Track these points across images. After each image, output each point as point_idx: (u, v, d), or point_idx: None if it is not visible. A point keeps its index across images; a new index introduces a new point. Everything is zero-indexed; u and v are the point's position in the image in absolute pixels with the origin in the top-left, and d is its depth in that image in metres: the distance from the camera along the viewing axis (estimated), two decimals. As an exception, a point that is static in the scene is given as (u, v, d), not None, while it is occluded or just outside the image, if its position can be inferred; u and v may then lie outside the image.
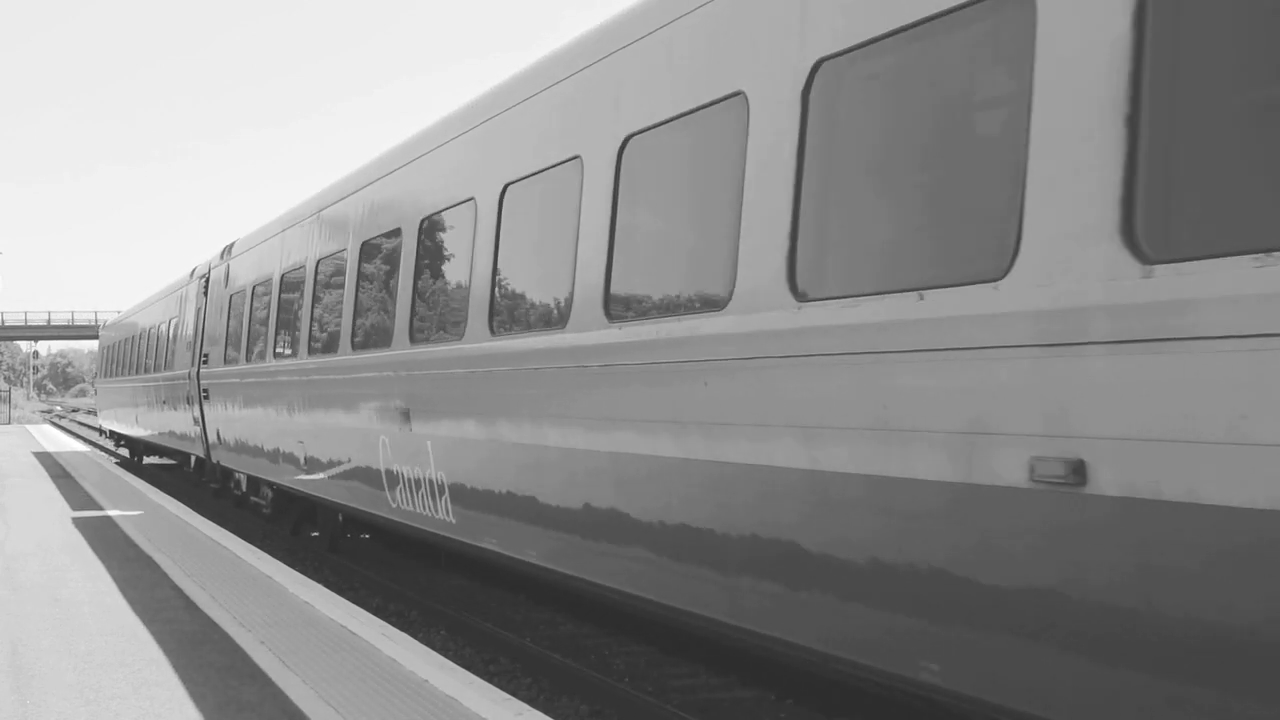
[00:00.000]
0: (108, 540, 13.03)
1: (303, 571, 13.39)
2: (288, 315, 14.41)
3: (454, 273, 9.52)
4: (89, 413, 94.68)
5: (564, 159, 7.67)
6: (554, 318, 7.70)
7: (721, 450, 5.90)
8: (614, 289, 6.96)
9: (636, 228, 6.97)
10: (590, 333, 7.10)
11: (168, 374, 23.66)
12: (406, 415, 9.97)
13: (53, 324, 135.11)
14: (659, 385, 6.43)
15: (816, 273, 5.40)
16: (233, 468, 17.93)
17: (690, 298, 6.33)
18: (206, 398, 19.09)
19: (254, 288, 16.34)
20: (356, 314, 11.65)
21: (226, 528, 16.16)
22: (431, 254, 10.04)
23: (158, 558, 11.76)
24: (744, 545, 5.80)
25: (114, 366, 34.84)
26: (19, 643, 7.92)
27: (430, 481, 9.64)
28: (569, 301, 7.42)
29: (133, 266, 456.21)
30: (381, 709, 6.24)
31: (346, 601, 9.56)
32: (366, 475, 11.23)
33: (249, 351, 16.21)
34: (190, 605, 9.24)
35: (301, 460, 13.48)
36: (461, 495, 9.15)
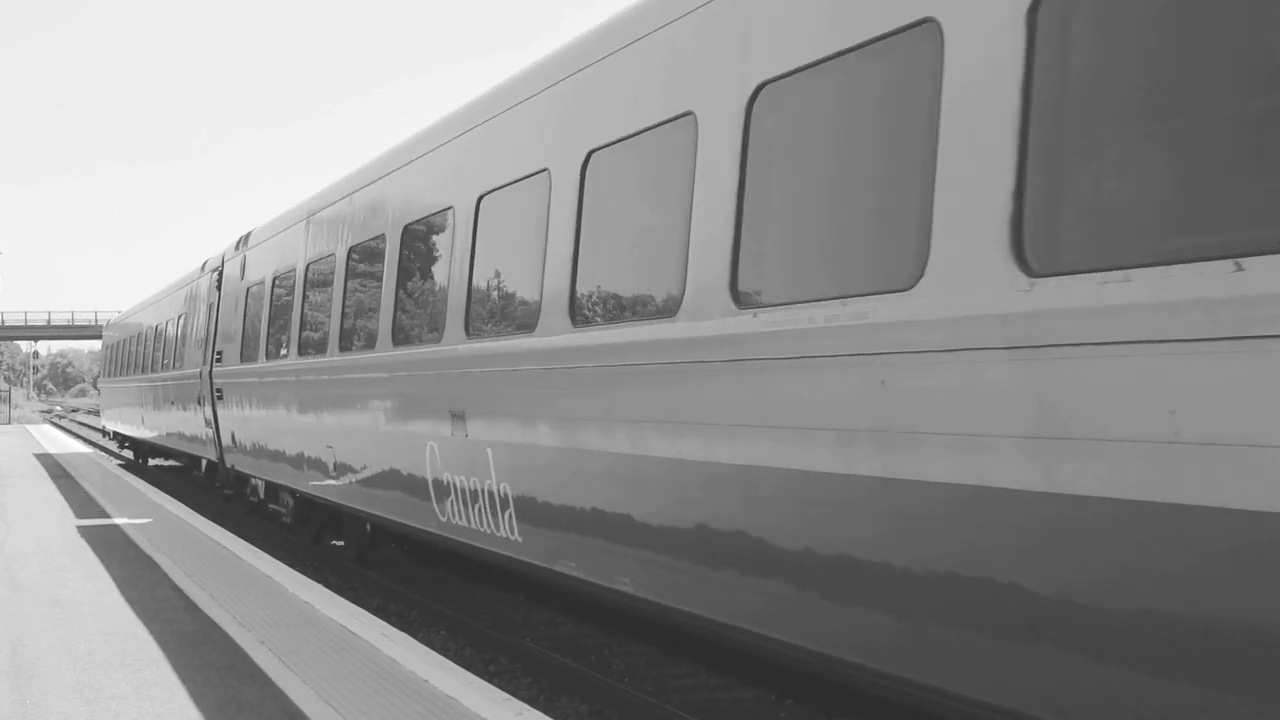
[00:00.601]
0: (108, 540, 13.03)
1: (303, 572, 13.38)
2: (314, 309, 13.34)
3: (522, 257, 8.35)
4: (89, 413, 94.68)
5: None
6: (661, 305, 6.61)
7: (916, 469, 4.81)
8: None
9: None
10: (709, 321, 6.04)
11: (176, 373, 22.54)
12: (461, 419, 8.97)
13: (53, 324, 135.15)
14: (808, 383, 5.36)
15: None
16: (249, 473, 16.94)
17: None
18: (220, 398, 17.98)
19: (274, 280, 15.26)
20: (397, 306, 10.57)
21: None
22: (492, 235, 8.94)
23: (157, 558, 11.76)
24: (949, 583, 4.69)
25: (118, 366, 33.69)
26: (19, 643, 7.93)
27: (490, 494, 8.61)
28: (682, 287, 6.33)
29: (133, 266, 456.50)
30: (381, 709, 6.24)
31: (346, 601, 9.57)
32: (409, 485, 10.23)
33: (269, 348, 15.18)
34: (190, 605, 9.24)
35: (330, 467, 12.52)
36: (531, 511, 8.10)
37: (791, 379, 5.40)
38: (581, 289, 7.42)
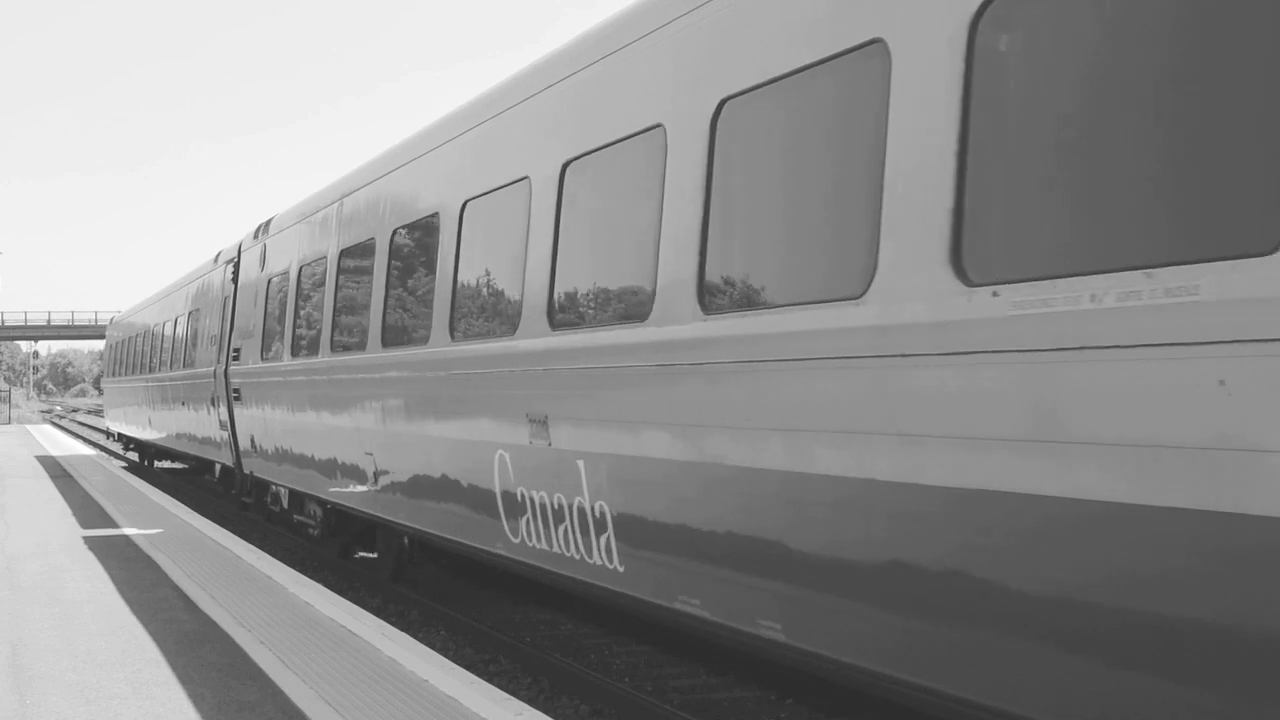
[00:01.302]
0: (106, 539, 13.02)
1: (303, 572, 13.38)
2: (350, 300, 11.96)
3: (628, 234, 7.10)
4: (89, 413, 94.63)
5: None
6: (844, 285, 5.22)
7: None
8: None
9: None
10: (921, 304, 4.82)
11: (187, 372, 21.12)
12: (542, 424, 7.69)
13: (53, 324, 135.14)
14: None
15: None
16: (269, 480, 15.51)
17: None
18: (237, 399, 16.57)
19: (301, 270, 13.83)
20: (457, 296, 9.24)
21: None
22: (584, 209, 7.60)
23: (157, 557, 11.76)
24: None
25: (123, 365, 32.18)
26: (19, 643, 7.92)
27: (581, 513, 7.36)
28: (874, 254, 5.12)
29: (133, 267, 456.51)
30: (381, 709, 6.24)
31: (346, 601, 9.56)
32: (470, 499, 9.01)
33: (295, 345, 13.78)
34: (190, 605, 9.24)
35: (370, 476, 11.23)
36: (637, 535, 6.83)
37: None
38: (715, 269, 6.14)
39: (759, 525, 5.74)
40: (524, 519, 8.13)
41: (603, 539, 7.15)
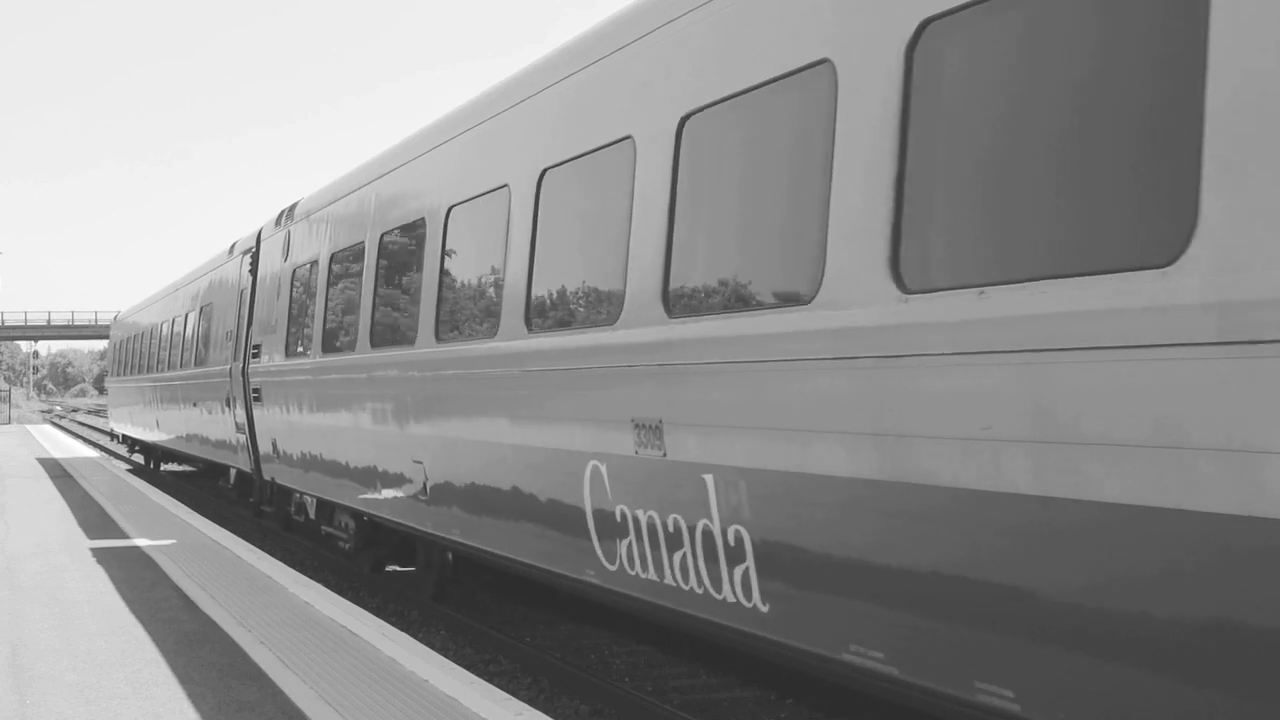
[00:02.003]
0: (106, 539, 13.01)
1: (303, 572, 13.38)
2: (394, 291, 10.73)
3: (762, 211, 6.10)
4: (89, 413, 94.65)
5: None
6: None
7: None
8: None
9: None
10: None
11: (199, 371, 19.86)
12: (654, 431, 6.51)
13: (53, 324, 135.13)
14: None
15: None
16: (293, 488, 14.24)
17: None
18: (257, 399, 15.24)
19: (333, 258, 12.46)
20: (534, 280, 7.96)
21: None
22: (707, 171, 6.44)
23: (157, 557, 11.75)
24: None
25: (129, 363, 30.75)
26: (19, 643, 7.92)
27: (708, 539, 6.14)
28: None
29: (133, 267, 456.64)
30: (381, 709, 6.24)
31: (346, 601, 9.56)
32: (553, 516, 7.77)
33: (327, 340, 12.45)
34: (190, 605, 9.24)
35: (419, 486, 9.82)
36: (793, 571, 5.62)
37: None
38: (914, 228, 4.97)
39: (984, 561, 4.51)
40: (624, 543, 6.90)
41: (738, 571, 5.94)
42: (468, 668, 8.49)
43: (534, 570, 8.23)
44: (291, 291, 14.06)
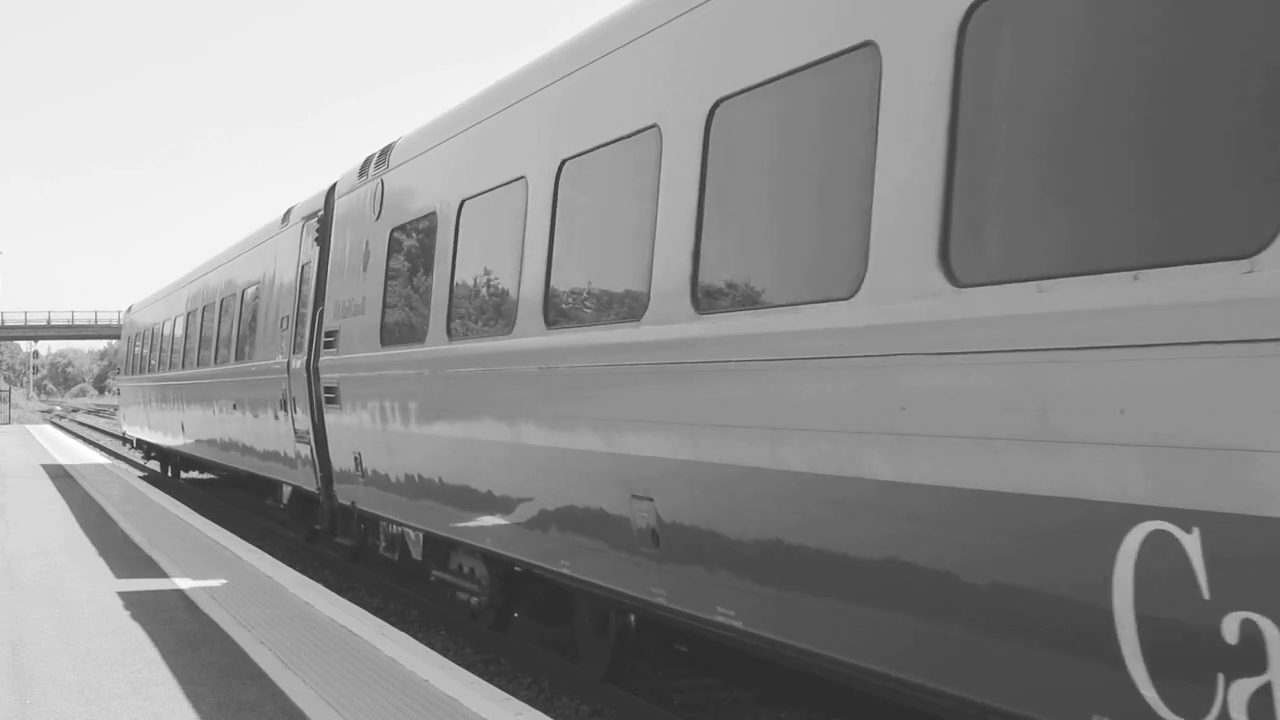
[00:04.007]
0: (106, 540, 13.02)
1: (303, 571, 13.38)
2: (592, 241, 7.56)
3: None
4: (89, 413, 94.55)
5: None
6: None
7: None
8: None
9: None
10: None
11: (240, 367, 16.86)
12: None
13: (53, 324, 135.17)
14: None
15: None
16: (387, 517, 10.93)
17: None
18: (331, 400, 12.05)
19: (463, 207, 9.14)
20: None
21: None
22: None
23: (157, 557, 11.75)
24: None
25: (145, 359, 27.31)
26: (19, 643, 7.92)
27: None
28: None
29: (133, 267, 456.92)
30: (381, 709, 6.24)
31: (346, 601, 9.57)
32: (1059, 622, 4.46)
33: (457, 321, 9.08)
34: (190, 605, 9.24)
35: (645, 535, 6.55)
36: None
37: None
38: None
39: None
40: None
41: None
42: (468, 668, 8.49)
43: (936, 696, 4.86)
44: (389, 259, 10.73)
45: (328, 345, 12.33)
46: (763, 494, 5.63)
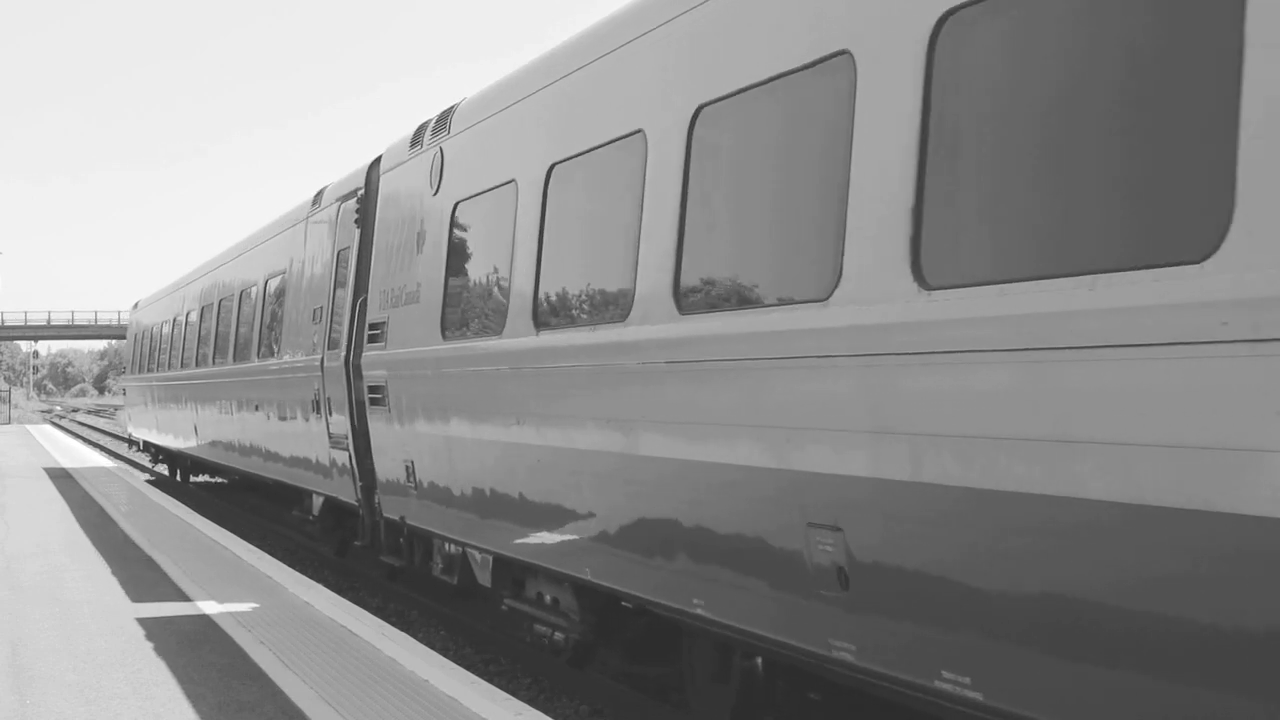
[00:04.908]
0: (106, 539, 13.02)
1: (303, 571, 13.39)
2: (740, 207, 6.12)
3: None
4: (89, 413, 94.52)
5: None
6: None
7: None
8: None
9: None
10: None
11: (263, 364, 15.48)
12: None
13: (53, 324, 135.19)
14: None
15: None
16: (446, 535, 9.62)
17: None
18: (377, 401, 10.71)
19: (552, 173, 7.70)
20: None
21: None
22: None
23: (157, 557, 11.75)
24: None
25: (154, 357, 25.82)
26: (19, 643, 7.92)
27: None
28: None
29: (133, 267, 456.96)
30: (381, 709, 6.24)
31: (347, 601, 9.57)
32: None
33: (546, 306, 7.67)
34: (190, 605, 9.24)
35: (830, 576, 5.23)
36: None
37: None
38: None
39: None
40: None
41: None
42: (468, 668, 8.50)
43: None
44: (452, 238, 9.28)
45: (372, 339, 10.97)
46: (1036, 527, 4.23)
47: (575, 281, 7.59)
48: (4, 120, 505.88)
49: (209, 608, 9.11)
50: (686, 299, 6.18)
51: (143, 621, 8.58)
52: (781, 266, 5.76)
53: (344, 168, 11.90)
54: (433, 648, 8.99)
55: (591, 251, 7.54)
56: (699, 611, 6.22)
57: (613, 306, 6.89)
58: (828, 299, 5.14)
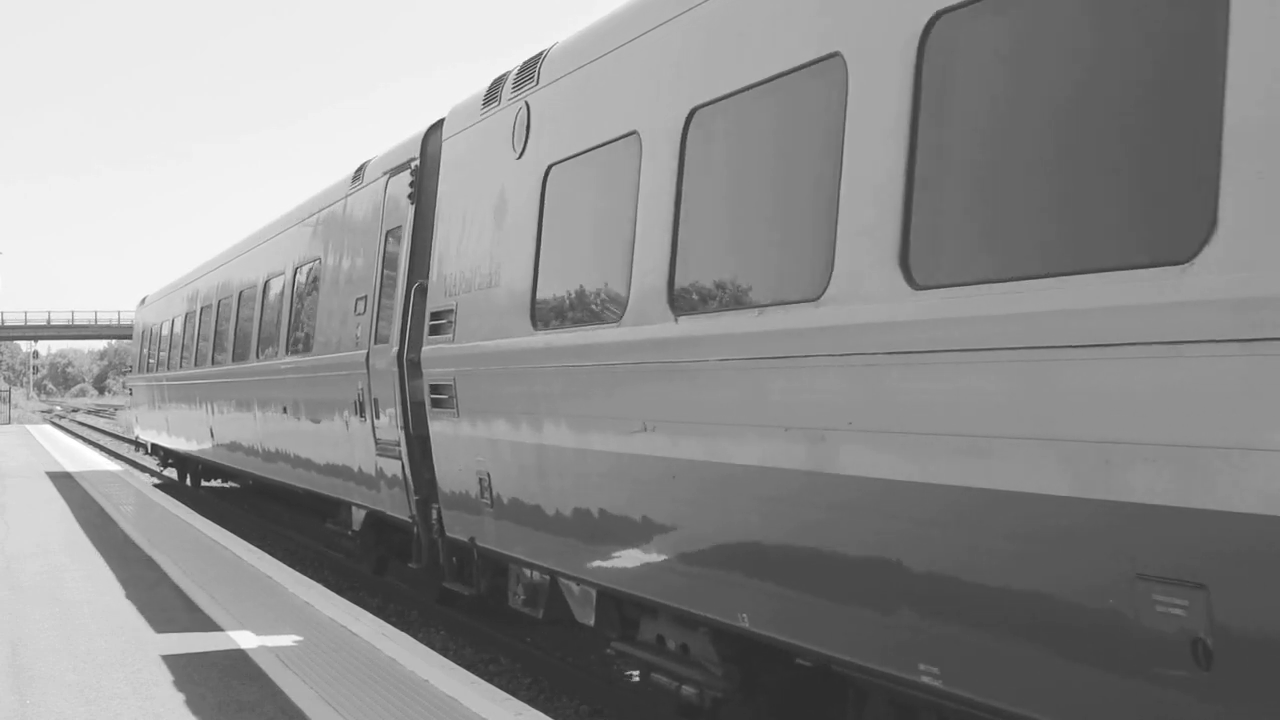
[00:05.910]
0: (106, 539, 13.02)
1: (303, 571, 13.38)
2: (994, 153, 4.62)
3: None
4: (89, 413, 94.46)
5: None
6: None
7: None
8: None
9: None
10: None
11: (295, 361, 13.77)
12: None
13: (53, 324, 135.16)
14: None
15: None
16: (539, 565, 8.16)
17: None
18: (439, 403, 9.27)
19: (693, 118, 6.30)
20: None
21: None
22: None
23: (157, 557, 11.75)
24: None
25: (165, 354, 24.00)
26: (19, 643, 7.93)
27: None
28: None
29: (133, 267, 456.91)
30: (381, 709, 6.25)
31: (346, 601, 9.57)
32: None
33: (687, 291, 6.28)
34: (190, 605, 9.24)
35: (1171, 639, 3.73)
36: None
37: None
38: None
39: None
40: None
41: None
42: (468, 668, 8.50)
43: None
44: (545, 208, 7.86)
45: (434, 330, 9.41)
46: None
47: (727, 255, 6.16)
48: (4, 120, 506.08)
49: (211, 607, 9.11)
50: (919, 269, 4.63)
51: (142, 622, 8.58)
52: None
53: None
54: (433, 648, 8.99)
55: (753, 212, 6.04)
56: (930, 681, 4.73)
57: (799, 282, 5.40)
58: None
